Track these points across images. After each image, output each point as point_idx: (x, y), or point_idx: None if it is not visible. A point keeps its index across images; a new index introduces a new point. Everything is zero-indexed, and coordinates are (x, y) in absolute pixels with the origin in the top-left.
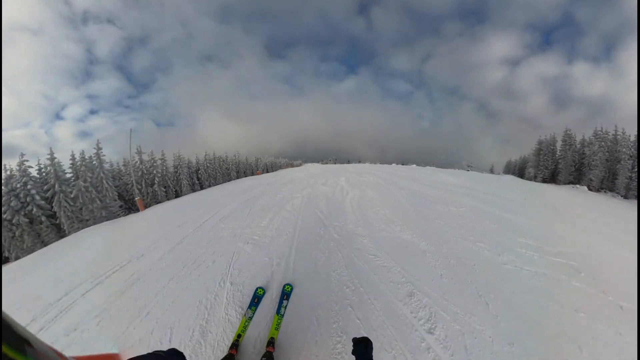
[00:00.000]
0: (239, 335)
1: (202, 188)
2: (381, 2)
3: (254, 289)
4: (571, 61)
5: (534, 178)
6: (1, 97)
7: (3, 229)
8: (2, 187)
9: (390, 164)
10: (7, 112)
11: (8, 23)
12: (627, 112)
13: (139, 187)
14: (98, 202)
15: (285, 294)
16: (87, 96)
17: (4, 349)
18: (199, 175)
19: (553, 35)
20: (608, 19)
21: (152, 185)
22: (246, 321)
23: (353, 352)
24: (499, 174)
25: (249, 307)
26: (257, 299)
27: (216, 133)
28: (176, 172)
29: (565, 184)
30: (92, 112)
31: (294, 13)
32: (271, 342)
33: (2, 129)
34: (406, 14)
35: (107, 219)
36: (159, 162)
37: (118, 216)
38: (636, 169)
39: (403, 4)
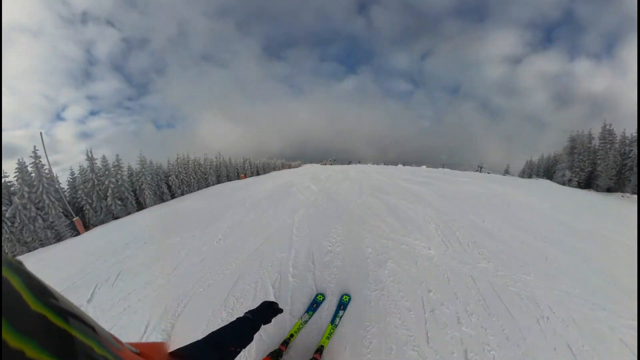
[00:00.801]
0: (291, 335)
1: (173, 197)
2: (381, 0)
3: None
4: (573, 58)
5: (568, 182)
6: (1, 97)
7: None
8: None
9: (396, 164)
10: (7, 112)
11: (9, 24)
12: (629, 109)
13: (90, 201)
14: (40, 221)
15: (343, 303)
16: (87, 97)
17: (79, 337)
18: (170, 182)
19: (554, 32)
20: (609, 15)
21: (105, 197)
22: (301, 324)
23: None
24: (533, 177)
25: (306, 311)
26: (315, 304)
27: (216, 134)
28: (138, 179)
29: (604, 190)
30: (93, 113)
31: (293, 13)
32: (319, 350)
33: (2, 129)
34: (406, 12)
35: (58, 240)
36: (113, 169)
37: (64, 237)
38: None
39: (403, 2)
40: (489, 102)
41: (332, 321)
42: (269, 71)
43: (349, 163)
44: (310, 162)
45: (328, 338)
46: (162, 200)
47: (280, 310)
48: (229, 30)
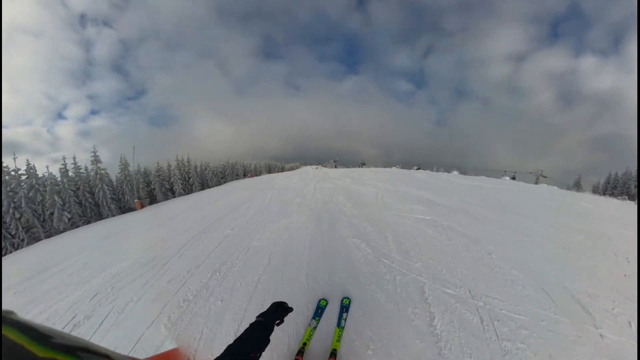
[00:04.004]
0: (304, 344)
1: None
2: None
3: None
4: (578, 55)
5: None
6: (1, 98)
7: None
8: None
9: (426, 169)
10: (11, 110)
11: (12, 25)
12: (633, 108)
13: None
14: None
15: (344, 307)
16: (88, 96)
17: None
18: None
19: (559, 27)
20: (615, 9)
21: None
22: (311, 331)
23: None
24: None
25: (313, 317)
26: (320, 309)
27: (212, 133)
28: None
29: None
30: (93, 112)
31: (289, 11)
32: (333, 354)
33: (3, 127)
34: (405, 7)
35: None
36: None
37: None
38: None
39: None
40: (494, 102)
41: (339, 324)
42: (265, 70)
43: (362, 165)
44: (310, 164)
45: (338, 341)
46: None
47: (290, 309)
48: (226, 31)
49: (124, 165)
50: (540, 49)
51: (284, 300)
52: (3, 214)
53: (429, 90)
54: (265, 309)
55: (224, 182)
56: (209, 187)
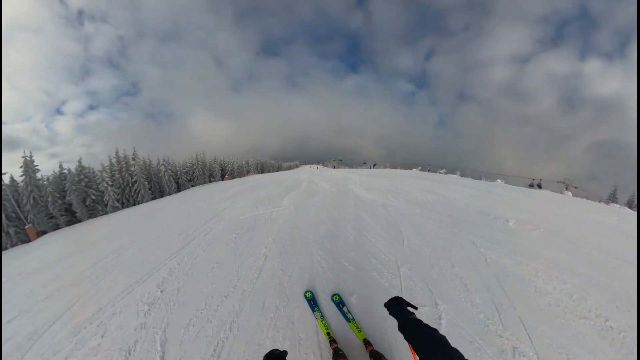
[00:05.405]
0: (327, 333)
1: None
2: None
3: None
4: (584, 57)
5: None
6: (1, 97)
7: None
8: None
9: (437, 171)
10: (10, 106)
11: (11, 23)
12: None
13: None
14: None
15: (339, 303)
16: (86, 92)
17: None
18: None
19: (566, 28)
20: (622, 10)
21: None
22: (322, 319)
23: (391, 314)
24: None
25: (313, 310)
26: (312, 301)
27: (210, 131)
28: None
29: None
30: (92, 107)
31: (289, 9)
32: (367, 343)
33: (3, 124)
34: (407, 7)
35: None
36: None
37: None
38: None
39: None
40: (496, 105)
41: (347, 320)
42: (265, 68)
43: (372, 166)
44: (310, 163)
45: (361, 331)
46: None
47: (284, 353)
48: (224, 29)
49: (27, 168)
50: (544, 51)
51: (272, 348)
52: None
53: (430, 91)
54: None
55: (192, 186)
56: (169, 194)
